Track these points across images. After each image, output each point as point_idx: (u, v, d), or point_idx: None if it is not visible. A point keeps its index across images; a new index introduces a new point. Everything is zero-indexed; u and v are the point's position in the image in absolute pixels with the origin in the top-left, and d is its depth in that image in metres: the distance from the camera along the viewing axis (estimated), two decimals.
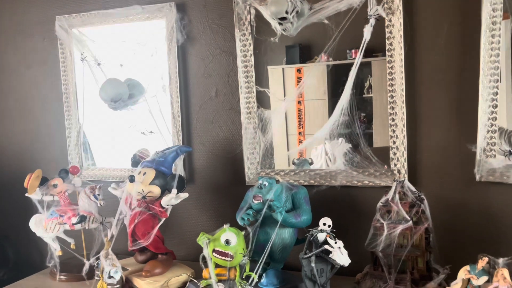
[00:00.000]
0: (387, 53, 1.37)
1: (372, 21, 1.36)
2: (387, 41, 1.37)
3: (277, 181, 1.36)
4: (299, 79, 1.54)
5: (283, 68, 1.56)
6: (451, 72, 1.34)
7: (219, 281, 1.33)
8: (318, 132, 1.50)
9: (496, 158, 1.28)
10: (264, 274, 1.35)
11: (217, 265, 1.35)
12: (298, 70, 1.55)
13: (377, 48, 1.40)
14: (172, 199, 1.37)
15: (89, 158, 1.93)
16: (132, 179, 1.40)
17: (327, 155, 1.54)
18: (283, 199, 1.35)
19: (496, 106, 1.27)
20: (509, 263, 0.99)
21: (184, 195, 1.39)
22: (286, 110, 1.56)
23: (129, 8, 1.69)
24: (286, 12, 1.38)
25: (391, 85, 1.38)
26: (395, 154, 1.40)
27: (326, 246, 1.18)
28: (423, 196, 1.24)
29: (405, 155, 1.38)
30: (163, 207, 1.40)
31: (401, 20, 1.34)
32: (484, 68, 1.26)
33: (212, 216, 1.71)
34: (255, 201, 1.34)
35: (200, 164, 1.71)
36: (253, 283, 1.27)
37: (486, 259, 1.01)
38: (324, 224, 1.20)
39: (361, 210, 1.45)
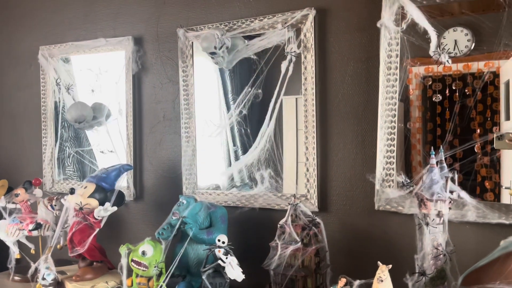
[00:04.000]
0: (302, 87, 1.49)
1: (289, 57, 1.49)
2: (302, 76, 1.49)
3: (196, 200, 1.49)
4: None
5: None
6: (357, 107, 1.43)
7: None
8: (244, 157, 1.62)
9: (392, 188, 1.35)
10: (176, 286, 1.46)
11: (139, 275, 1.49)
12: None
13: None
14: (101, 211, 1.52)
15: (61, 173, 2.14)
16: (72, 191, 1.57)
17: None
18: (200, 217, 1.47)
19: (394, 139, 1.35)
20: (362, 284, 1.05)
21: (113, 209, 1.55)
22: (222, 135, 1.69)
23: (96, 40, 1.90)
24: (215, 48, 1.54)
25: (306, 117, 1.49)
26: (308, 181, 1.49)
27: (219, 261, 1.29)
28: (318, 221, 1.33)
29: (316, 183, 1.48)
30: (96, 218, 1.56)
31: (314, 57, 1.46)
32: (381, 105, 1.36)
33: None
34: (173, 217, 1.47)
35: (149, 183, 1.86)
36: None
37: (344, 280, 1.09)
38: (219, 240, 1.31)
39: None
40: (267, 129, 1.57)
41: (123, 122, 1.89)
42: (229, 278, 1.28)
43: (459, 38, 1.28)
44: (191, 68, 1.71)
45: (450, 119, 1.30)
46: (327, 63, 1.47)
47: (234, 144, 1.69)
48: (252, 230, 1.60)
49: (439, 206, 1.15)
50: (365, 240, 1.42)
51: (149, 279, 1.48)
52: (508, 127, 1.23)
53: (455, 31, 1.28)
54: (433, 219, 1.15)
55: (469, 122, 1.27)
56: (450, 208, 1.18)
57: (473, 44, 1.26)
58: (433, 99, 1.32)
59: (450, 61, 1.26)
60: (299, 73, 1.50)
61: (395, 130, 1.35)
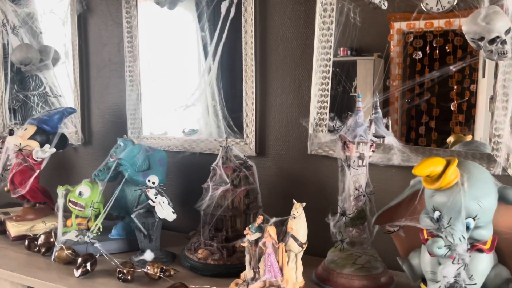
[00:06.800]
0: (242, 29, 1.45)
1: None
2: (242, 18, 1.45)
3: (133, 143, 1.49)
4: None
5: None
6: (295, 51, 1.41)
7: (79, 229, 1.49)
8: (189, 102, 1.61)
9: (324, 133, 1.36)
10: (114, 227, 1.48)
11: (78, 216, 1.51)
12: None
13: None
14: (39, 152, 1.52)
15: (12, 118, 2.11)
16: (11, 132, 1.56)
17: None
18: (139, 160, 1.47)
19: (328, 83, 1.35)
20: (277, 222, 1.08)
21: (51, 150, 1.54)
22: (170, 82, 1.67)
23: None
24: None
25: (245, 61, 1.46)
26: (247, 126, 1.50)
27: (149, 201, 1.30)
28: (250, 163, 1.34)
29: (254, 128, 1.48)
30: (35, 160, 1.55)
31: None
32: (317, 51, 1.34)
33: None
34: (111, 159, 1.47)
35: (97, 127, 1.85)
36: (94, 232, 1.41)
37: (261, 217, 1.11)
38: (149, 181, 1.32)
39: None
40: (209, 74, 1.55)
41: (70, 66, 1.85)
42: (159, 217, 1.30)
43: None
44: (135, 9, 1.65)
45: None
46: (267, 3, 1.43)
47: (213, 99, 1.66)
48: (193, 174, 1.61)
49: (361, 149, 1.16)
50: (299, 183, 1.44)
51: (89, 219, 1.50)
52: (484, 85, 1.22)
53: None
54: (354, 161, 1.17)
55: (448, 80, 1.26)
56: (373, 151, 1.19)
57: (456, 0, 1.22)
58: (413, 56, 1.29)
59: (386, 4, 1.24)
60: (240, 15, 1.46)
61: (330, 74, 1.34)
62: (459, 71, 1.24)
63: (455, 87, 1.25)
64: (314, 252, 1.34)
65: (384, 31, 1.30)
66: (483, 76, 1.22)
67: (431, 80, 1.27)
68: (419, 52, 1.28)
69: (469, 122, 1.24)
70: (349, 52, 1.36)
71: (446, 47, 1.25)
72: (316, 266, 1.25)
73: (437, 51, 1.26)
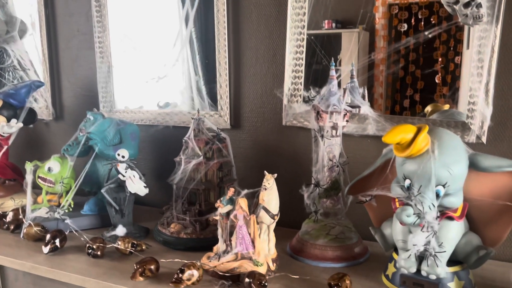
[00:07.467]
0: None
1: None
2: None
3: (103, 116, 1.44)
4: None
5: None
6: (269, 18, 1.36)
7: (50, 206, 1.45)
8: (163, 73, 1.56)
9: (298, 103, 1.32)
10: (86, 202, 1.45)
11: (49, 192, 1.47)
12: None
13: None
14: (4, 127, 1.46)
15: None
16: None
17: None
18: (110, 134, 1.43)
19: (303, 52, 1.31)
20: (249, 194, 1.05)
21: (18, 125, 1.49)
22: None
23: None
24: None
25: (218, 29, 1.41)
26: (221, 97, 1.45)
27: (119, 176, 1.27)
28: (223, 136, 1.30)
29: (229, 99, 1.44)
30: (2, 135, 1.50)
31: None
32: (290, 18, 1.29)
33: None
34: (80, 134, 1.42)
35: (68, 101, 1.79)
36: (65, 208, 1.37)
37: (232, 189, 1.08)
38: (119, 154, 1.28)
39: None
40: (182, 43, 1.50)
41: (38, 37, 1.77)
42: (130, 192, 1.27)
43: None
44: None
45: (414, 49, 1.24)
46: None
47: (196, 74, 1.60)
48: (167, 147, 1.58)
49: (335, 118, 1.14)
50: (274, 155, 1.42)
51: (60, 196, 1.46)
52: (468, 56, 1.18)
53: None
54: (328, 131, 1.14)
55: (432, 52, 1.22)
56: (347, 121, 1.16)
57: None
58: (399, 28, 1.25)
59: None
60: None
61: (304, 43, 1.30)
62: (444, 43, 1.21)
63: (440, 59, 1.22)
64: (290, 224, 1.34)
65: (369, 3, 1.26)
66: (468, 47, 1.19)
67: (416, 53, 1.24)
68: (404, 24, 1.24)
69: (454, 94, 1.22)
70: (334, 25, 1.32)
71: (432, 19, 1.21)
72: (292, 238, 1.24)
73: (422, 23, 1.23)
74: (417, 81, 1.24)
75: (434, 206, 0.85)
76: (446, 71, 1.22)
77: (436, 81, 1.23)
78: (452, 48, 1.21)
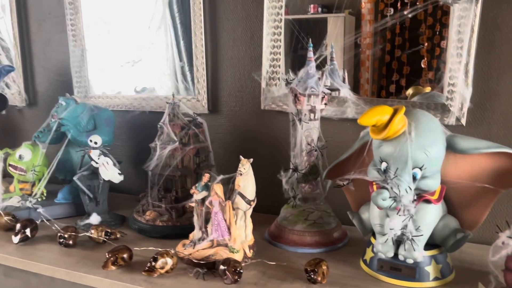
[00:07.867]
0: None
1: None
2: None
3: (76, 102, 1.39)
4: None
5: None
6: (246, 2, 1.32)
7: (23, 195, 1.40)
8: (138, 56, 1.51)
9: (277, 87, 1.29)
10: (60, 190, 1.41)
11: (21, 181, 1.42)
12: None
13: None
14: None
15: None
16: None
17: None
18: (83, 119, 1.38)
19: (280, 33, 1.27)
20: (225, 179, 1.03)
21: None
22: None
23: None
24: None
25: (193, 11, 1.36)
26: (198, 81, 1.41)
27: (92, 163, 1.23)
28: (200, 121, 1.27)
29: (206, 83, 1.40)
30: None
31: None
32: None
33: None
34: (52, 120, 1.37)
35: (42, 87, 1.73)
36: (37, 196, 1.33)
37: (207, 175, 1.06)
38: (91, 141, 1.24)
39: None
40: (158, 26, 1.44)
41: (8, 20, 1.70)
42: (103, 179, 1.23)
43: None
44: None
45: (400, 34, 1.21)
46: None
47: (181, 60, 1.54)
48: (143, 133, 1.54)
49: (313, 101, 1.11)
50: (253, 140, 1.39)
51: (33, 184, 1.42)
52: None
53: None
54: (306, 114, 1.11)
55: (419, 37, 1.19)
56: (326, 104, 1.14)
57: None
58: (385, 12, 1.21)
59: None
60: None
61: (282, 23, 1.26)
62: (429, 27, 1.18)
63: (426, 44, 1.19)
64: (269, 210, 1.31)
65: None
66: None
67: (402, 38, 1.21)
68: (391, 9, 1.21)
69: (440, 79, 1.20)
70: (319, 9, 1.28)
71: (417, 3, 1.18)
72: (271, 224, 1.22)
73: (408, 7, 1.20)
74: (403, 66, 1.22)
75: (410, 189, 0.84)
76: (432, 55, 1.20)
77: (422, 66, 1.21)
78: (438, 33, 1.19)
